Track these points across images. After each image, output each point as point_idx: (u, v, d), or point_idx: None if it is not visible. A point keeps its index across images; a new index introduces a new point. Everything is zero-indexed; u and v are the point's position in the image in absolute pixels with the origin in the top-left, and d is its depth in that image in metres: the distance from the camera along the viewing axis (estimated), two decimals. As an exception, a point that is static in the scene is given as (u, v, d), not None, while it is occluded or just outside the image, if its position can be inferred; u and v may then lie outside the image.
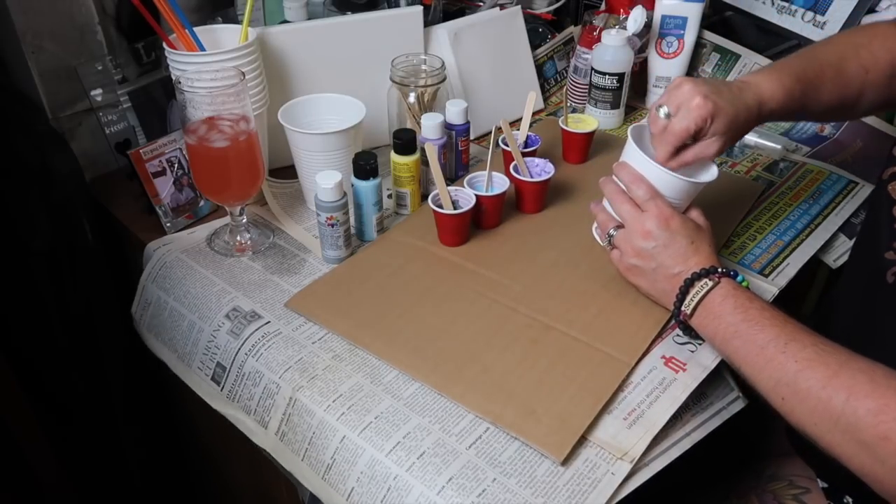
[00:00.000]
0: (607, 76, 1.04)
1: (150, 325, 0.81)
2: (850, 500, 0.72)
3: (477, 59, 1.05)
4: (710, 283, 0.64)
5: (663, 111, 0.69)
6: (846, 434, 0.52)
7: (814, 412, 0.54)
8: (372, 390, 0.65)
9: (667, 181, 0.70)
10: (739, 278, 0.66)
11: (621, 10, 1.11)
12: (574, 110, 1.12)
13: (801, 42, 1.15)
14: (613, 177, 0.73)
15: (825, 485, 0.74)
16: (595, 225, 0.78)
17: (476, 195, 0.81)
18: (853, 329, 0.71)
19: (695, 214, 0.72)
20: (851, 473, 0.53)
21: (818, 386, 0.54)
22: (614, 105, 1.08)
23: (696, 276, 0.65)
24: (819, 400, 0.54)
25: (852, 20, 1.09)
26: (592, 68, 1.06)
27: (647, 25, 1.11)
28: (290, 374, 0.67)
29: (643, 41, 1.12)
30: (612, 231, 0.72)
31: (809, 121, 1.00)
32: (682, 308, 0.65)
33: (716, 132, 0.68)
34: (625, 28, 1.04)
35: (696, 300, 0.64)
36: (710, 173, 0.73)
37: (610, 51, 1.03)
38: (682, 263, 0.67)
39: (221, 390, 0.72)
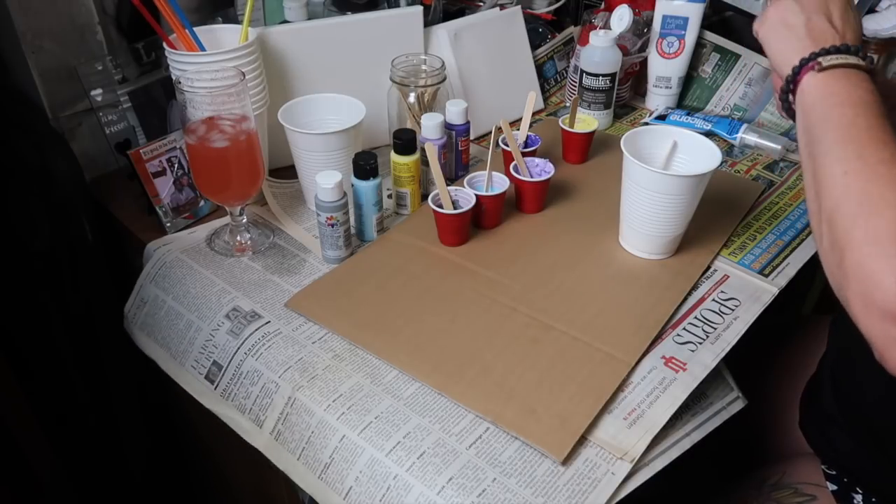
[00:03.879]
0: (600, 77, 1.04)
1: (144, 324, 0.81)
2: (859, 498, 0.71)
3: (477, 59, 1.05)
4: (862, 67, 0.56)
5: None
6: None
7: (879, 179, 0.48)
8: (372, 390, 0.65)
9: (669, 181, 0.69)
10: None
11: (621, 10, 1.11)
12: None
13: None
14: None
15: (835, 487, 0.74)
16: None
17: (476, 195, 0.81)
18: None
19: None
20: (864, 464, 0.49)
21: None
22: (607, 105, 1.08)
23: (857, 50, 0.57)
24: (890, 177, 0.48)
25: (852, 20, 1.09)
26: (582, 70, 1.06)
27: (648, 25, 1.11)
28: (290, 374, 0.67)
29: (643, 40, 1.12)
30: None
31: None
32: (820, 58, 0.57)
33: None
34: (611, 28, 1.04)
35: (840, 62, 0.56)
36: (714, 159, 0.73)
37: (598, 52, 1.03)
38: (848, 31, 0.59)
39: (215, 389, 0.72)
